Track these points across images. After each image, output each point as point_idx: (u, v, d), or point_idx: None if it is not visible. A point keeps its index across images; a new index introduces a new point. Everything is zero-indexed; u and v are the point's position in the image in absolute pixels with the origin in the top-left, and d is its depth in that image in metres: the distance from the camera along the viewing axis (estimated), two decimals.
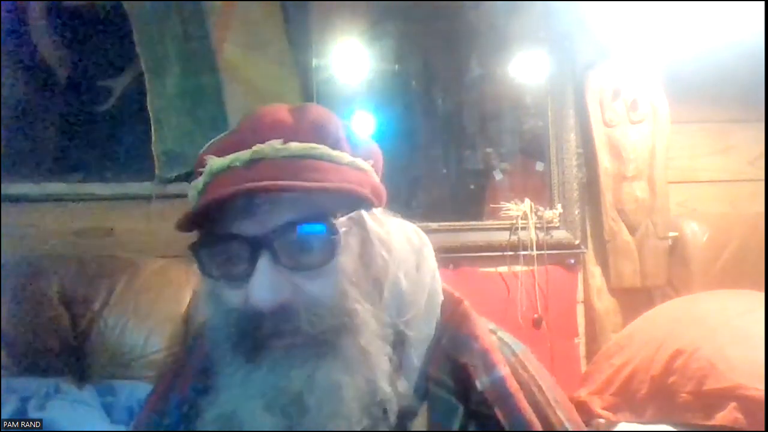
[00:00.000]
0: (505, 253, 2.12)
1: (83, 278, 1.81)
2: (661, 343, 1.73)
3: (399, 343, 0.68)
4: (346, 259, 0.64)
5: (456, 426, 0.67)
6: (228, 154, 0.66)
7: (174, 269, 1.90)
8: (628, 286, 2.16)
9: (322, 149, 0.66)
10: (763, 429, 1.42)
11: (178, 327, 1.80)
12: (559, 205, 2.18)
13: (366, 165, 0.70)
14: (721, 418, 1.53)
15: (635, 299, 2.15)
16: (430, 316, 0.72)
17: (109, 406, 1.57)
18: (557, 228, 2.17)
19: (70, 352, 1.74)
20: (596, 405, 1.83)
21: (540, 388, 0.71)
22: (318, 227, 0.62)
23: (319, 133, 0.67)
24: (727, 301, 1.82)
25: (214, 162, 0.66)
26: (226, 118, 1.99)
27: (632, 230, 2.16)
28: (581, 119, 2.19)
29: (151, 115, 1.94)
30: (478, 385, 0.67)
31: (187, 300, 1.84)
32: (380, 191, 0.71)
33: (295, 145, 0.65)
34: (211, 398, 0.66)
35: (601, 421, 1.81)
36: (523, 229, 2.13)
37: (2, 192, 1.95)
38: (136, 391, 1.62)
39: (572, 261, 2.19)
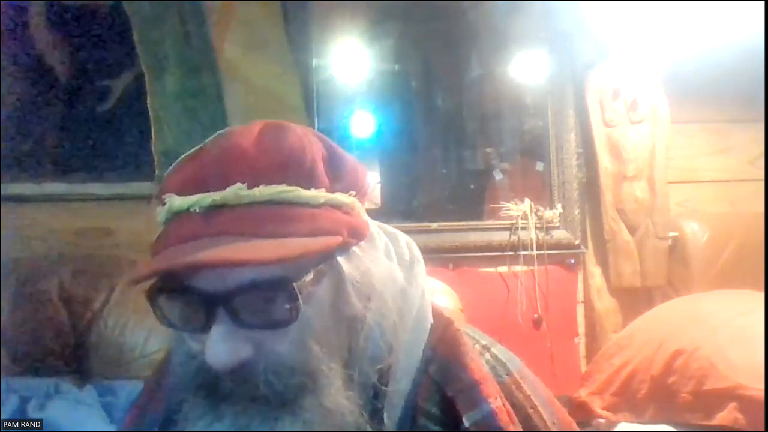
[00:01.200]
0: (505, 253, 2.12)
1: (83, 278, 1.81)
2: (661, 343, 1.73)
3: (377, 389, 0.65)
4: (313, 315, 0.60)
5: None
6: (189, 187, 0.61)
7: None
8: (628, 286, 2.16)
9: (293, 192, 0.61)
10: (763, 429, 1.42)
11: None
12: (559, 205, 2.18)
13: (346, 198, 0.65)
14: (721, 418, 1.53)
15: (635, 299, 2.16)
16: (418, 341, 0.68)
17: (109, 406, 1.57)
18: (557, 228, 2.17)
19: (70, 352, 1.74)
20: (596, 405, 1.83)
21: (536, 409, 0.69)
22: (277, 292, 0.58)
23: (291, 167, 0.62)
24: (727, 301, 1.82)
25: (174, 202, 0.61)
26: (226, 118, 1.99)
27: (632, 230, 2.16)
28: (581, 119, 2.19)
29: (151, 115, 1.94)
30: (465, 421, 0.64)
31: None
32: (359, 228, 0.66)
33: (260, 191, 0.60)
34: None
35: (601, 421, 1.81)
36: (523, 229, 2.13)
37: (2, 192, 1.95)
38: (136, 391, 1.60)
39: (572, 261, 2.19)
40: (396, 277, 0.69)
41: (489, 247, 2.13)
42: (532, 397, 0.69)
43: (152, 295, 0.61)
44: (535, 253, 2.12)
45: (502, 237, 2.14)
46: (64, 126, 2.04)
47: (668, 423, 1.67)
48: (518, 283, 2.13)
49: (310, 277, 0.60)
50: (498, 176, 2.25)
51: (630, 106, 2.16)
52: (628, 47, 2.14)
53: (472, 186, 2.27)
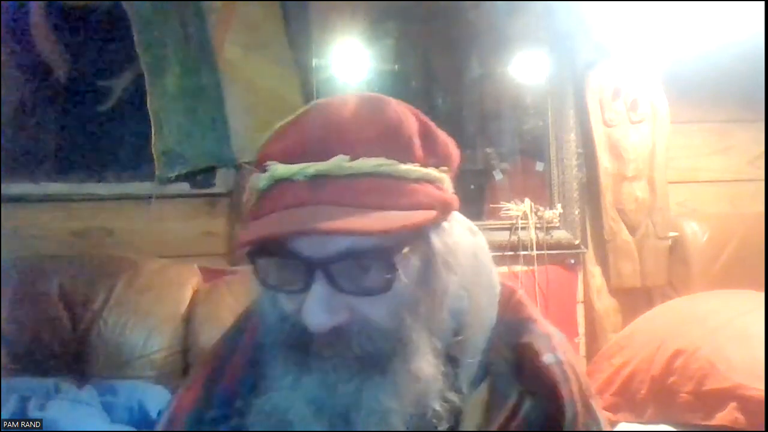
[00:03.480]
0: (505, 253, 2.12)
1: (83, 278, 1.81)
2: (661, 343, 1.73)
3: (454, 358, 0.68)
4: (406, 284, 0.63)
5: (514, 398, 0.67)
6: (292, 156, 0.63)
7: (174, 269, 1.90)
8: (628, 286, 2.16)
9: (391, 166, 0.62)
10: (763, 429, 1.42)
11: (178, 327, 1.80)
12: (559, 205, 2.18)
13: (438, 173, 0.67)
14: (721, 418, 1.53)
15: (635, 299, 2.16)
16: (491, 312, 0.72)
17: (109, 406, 1.57)
18: (557, 228, 2.17)
19: (70, 352, 1.74)
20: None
21: (580, 377, 0.73)
22: (376, 262, 0.61)
23: (390, 140, 0.64)
24: (727, 301, 1.82)
25: (277, 169, 0.63)
26: (226, 118, 1.99)
27: (632, 230, 2.16)
28: (581, 119, 2.19)
29: (151, 115, 1.94)
30: (545, 359, 0.68)
31: (187, 300, 1.84)
32: (450, 203, 0.68)
33: (361, 164, 0.62)
34: (260, 396, 0.66)
35: None
36: (523, 229, 2.13)
37: (2, 192, 1.95)
38: (136, 390, 1.62)
39: (572, 261, 2.19)
40: (474, 251, 0.73)
41: (489, 247, 2.12)
42: (575, 367, 0.73)
43: (253, 257, 0.63)
44: (535, 253, 2.12)
45: (502, 237, 2.14)
46: (64, 126, 2.04)
47: (668, 423, 1.67)
48: (518, 283, 2.13)
49: (406, 249, 0.62)
50: (498, 176, 2.24)
51: (630, 106, 2.16)
52: (628, 47, 2.13)
53: (472, 186, 2.26)
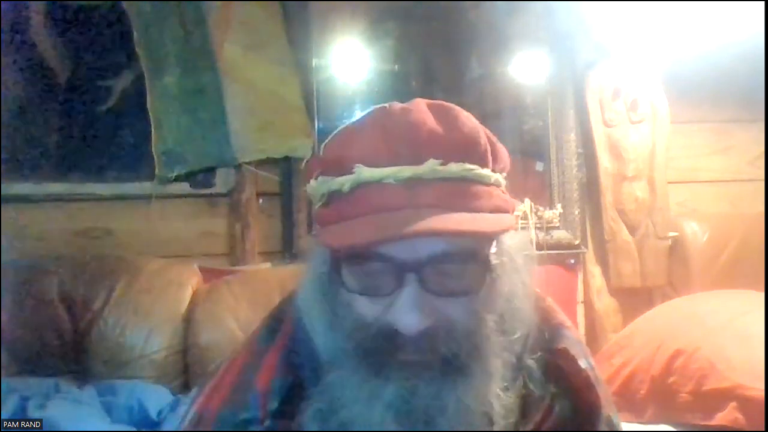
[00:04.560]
0: None
1: (83, 278, 1.81)
2: (661, 343, 1.73)
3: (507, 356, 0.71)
4: (486, 285, 0.65)
5: (547, 399, 0.70)
6: (376, 159, 0.63)
7: (174, 269, 1.90)
8: (628, 286, 2.16)
9: (476, 171, 0.65)
10: (763, 429, 1.42)
11: (178, 327, 1.80)
12: (559, 205, 2.18)
13: (502, 178, 0.70)
14: (721, 418, 1.53)
15: (635, 299, 2.15)
16: (532, 311, 0.74)
17: (109, 406, 1.57)
18: (557, 228, 2.17)
19: (70, 352, 1.74)
20: None
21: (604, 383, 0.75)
22: (472, 263, 0.63)
23: (472, 147, 0.66)
24: (727, 301, 1.82)
25: (364, 173, 0.63)
26: (226, 118, 1.99)
27: (632, 230, 2.16)
28: (581, 119, 2.19)
29: (151, 115, 1.94)
30: (582, 364, 0.71)
31: (187, 300, 1.84)
32: (514, 206, 0.71)
33: (451, 168, 0.63)
34: (328, 401, 0.66)
35: None
36: (523, 229, 2.13)
37: (2, 192, 1.95)
38: (136, 390, 1.62)
39: (572, 261, 2.19)
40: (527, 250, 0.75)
41: None
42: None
43: (340, 261, 0.64)
44: (534, 253, 2.11)
45: None
46: (64, 126, 2.04)
47: (668, 423, 1.67)
48: None
49: (494, 249, 0.66)
50: None
51: (630, 106, 2.16)
52: (628, 47, 2.14)
53: None
